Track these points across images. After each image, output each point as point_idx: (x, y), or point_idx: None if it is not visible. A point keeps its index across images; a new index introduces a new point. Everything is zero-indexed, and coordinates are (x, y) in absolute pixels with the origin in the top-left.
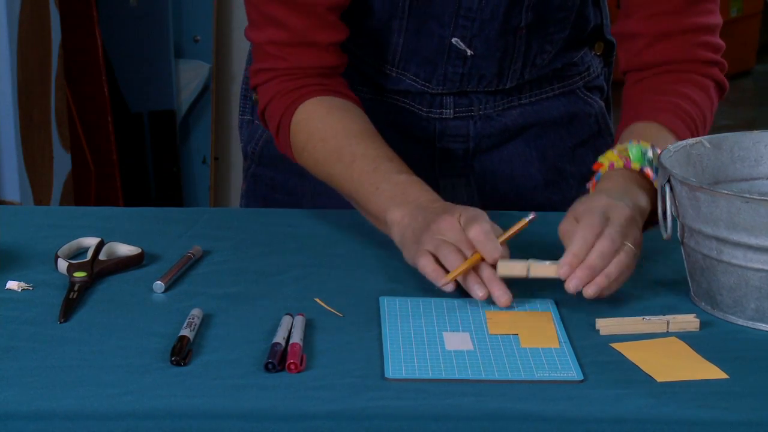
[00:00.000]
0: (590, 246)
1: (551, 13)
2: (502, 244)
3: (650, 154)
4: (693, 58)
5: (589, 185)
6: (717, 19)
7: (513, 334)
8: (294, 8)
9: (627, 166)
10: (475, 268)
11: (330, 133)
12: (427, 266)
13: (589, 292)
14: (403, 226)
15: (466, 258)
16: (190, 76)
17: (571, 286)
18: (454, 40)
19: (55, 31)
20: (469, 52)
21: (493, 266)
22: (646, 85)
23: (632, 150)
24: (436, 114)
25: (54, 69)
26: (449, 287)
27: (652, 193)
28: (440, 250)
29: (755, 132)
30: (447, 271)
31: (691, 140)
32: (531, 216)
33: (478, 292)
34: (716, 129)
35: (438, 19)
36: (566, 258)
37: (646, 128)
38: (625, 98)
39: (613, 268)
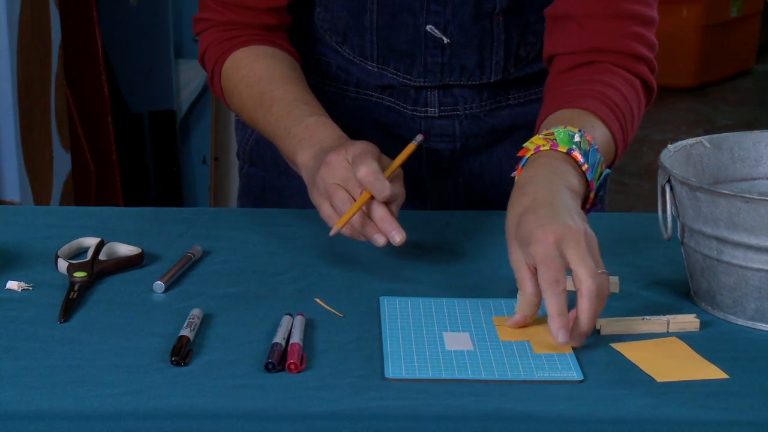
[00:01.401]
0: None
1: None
2: (390, 177)
3: (577, 137)
4: (622, 50)
5: (514, 173)
6: (652, 13)
7: (525, 341)
8: None
9: (553, 148)
10: (368, 209)
11: (254, 80)
12: (325, 213)
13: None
14: (308, 169)
15: (355, 200)
16: (190, 76)
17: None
18: (428, 27)
19: (55, 31)
20: (445, 39)
21: (385, 203)
22: (570, 76)
23: (559, 134)
24: (421, 112)
25: (54, 69)
26: (345, 230)
27: (582, 175)
28: (332, 196)
29: (755, 132)
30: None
31: (691, 140)
32: (419, 137)
33: (379, 241)
34: (716, 129)
35: (409, 9)
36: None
37: (573, 114)
38: (549, 88)
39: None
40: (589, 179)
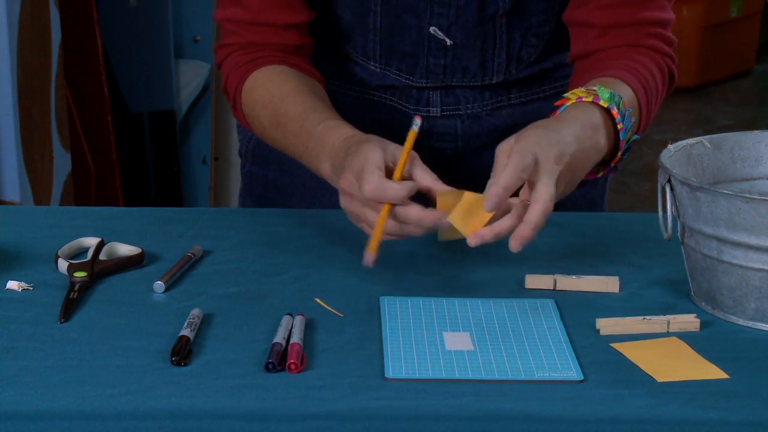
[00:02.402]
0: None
1: (530, 2)
2: (406, 168)
3: (617, 98)
4: (644, 45)
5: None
6: (669, 15)
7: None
8: None
9: (596, 102)
10: (394, 216)
11: (267, 99)
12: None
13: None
14: (334, 182)
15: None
16: (190, 76)
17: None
18: (431, 29)
19: (55, 31)
20: (448, 41)
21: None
22: (598, 56)
23: (601, 90)
24: (423, 112)
25: (54, 69)
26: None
27: (613, 134)
28: (362, 221)
29: (755, 132)
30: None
31: (691, 140)
32: (417, 122)
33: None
34: (716, 129)
35: (413, 10)
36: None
37: (606, 80)
38: (577, 71)
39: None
40: (621, 138)
